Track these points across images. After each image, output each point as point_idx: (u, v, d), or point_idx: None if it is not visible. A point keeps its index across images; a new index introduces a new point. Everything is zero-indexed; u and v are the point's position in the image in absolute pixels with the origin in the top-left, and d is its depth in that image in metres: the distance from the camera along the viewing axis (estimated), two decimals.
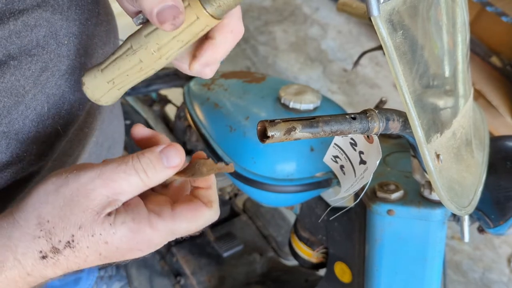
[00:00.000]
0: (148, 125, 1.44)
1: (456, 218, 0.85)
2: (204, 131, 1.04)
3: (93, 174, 0.42)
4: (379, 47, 1.09)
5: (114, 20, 0.67)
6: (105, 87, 0.46)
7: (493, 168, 0.81)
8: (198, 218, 0.45)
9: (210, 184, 0.49)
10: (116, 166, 0.42)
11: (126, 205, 0.44)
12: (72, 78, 0.55)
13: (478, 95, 2.09)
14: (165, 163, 0.44)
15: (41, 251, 0.41)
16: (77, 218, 0.41)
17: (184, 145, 1.29)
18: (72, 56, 0.54)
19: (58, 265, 0.42)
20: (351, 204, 0.62)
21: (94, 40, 0.58)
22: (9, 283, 0.41)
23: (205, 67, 0.48)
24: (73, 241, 0.41)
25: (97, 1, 0.59)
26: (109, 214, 0.42)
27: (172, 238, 0.45)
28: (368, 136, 0.53)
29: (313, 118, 0.46)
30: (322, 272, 1.13)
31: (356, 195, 0.59)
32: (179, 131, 1.32)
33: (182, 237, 0.46)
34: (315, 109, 0.98)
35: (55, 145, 0.56)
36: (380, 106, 1.04)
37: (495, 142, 0.86)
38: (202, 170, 0.47)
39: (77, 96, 0.57)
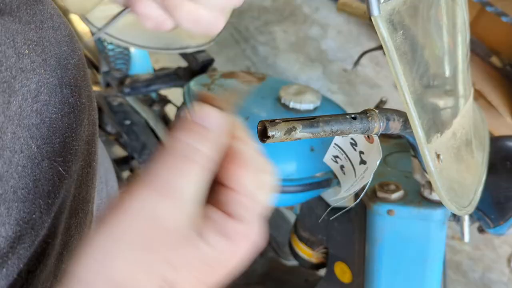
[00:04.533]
0: (148, 125, 1.44)
1: (456, 218, 0.85)
2: None
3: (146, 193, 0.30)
4: (379, 47, 1.09)
5: (70, 24, 0.48)
6: None
7: (493, 168, 0.81)
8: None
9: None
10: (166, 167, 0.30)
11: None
12: (52, 99, 0.41)
13: (478, 95, 2.09)
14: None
15: None
16: (161, 256, 0.30)
17: None
18: (40, 69, 0.40)
19: None
20: (351, 204, 0.62)
21: (63, 48, 0.43)
22: None
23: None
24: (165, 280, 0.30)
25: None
26: (199, 235, 0.31)
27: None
28: (368, 136, 0.53)
29: (313, 118, 0.46)
30: (322, 272, 1.13)
31: (356, 195, 0.59)
32: None
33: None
34: (315, 109, 0.98)
35: (60, 192, 0.41)
36: (380, 106, 1.04)
37: (495, 142, 0.86)
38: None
39: (66, 122, 0.42)
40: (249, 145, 0.34)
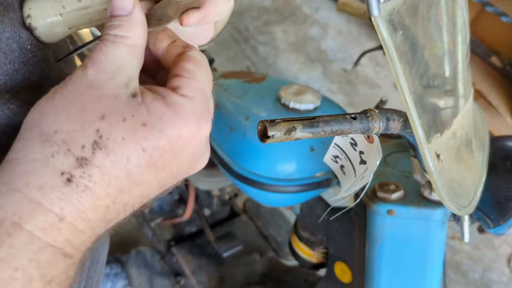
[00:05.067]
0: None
1: (456, 218, 0.85)
2: None
3: (82, 76, 0.33)
4: (379, 47, 1.09)
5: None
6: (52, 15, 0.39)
7: (493, 168, 0.81)
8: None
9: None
10: (91, 55, 0.34)
11: (144, 87, 0.34)
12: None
13: (478, 95, 2.10)
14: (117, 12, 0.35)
15: (62, 173, 0.29)
16: (94, 110, 0.31)
17: None
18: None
19: (94, 191, 0.30)
20: (351, 204, 0.62)
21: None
22: (42, 246, 0.29)
23: (202, 22, 0.40)
24: (100, 137, 0.30)
25: None
26: (133, 95, 0.32)
27: (207, 105, 0.35)
28: (368, 136, 0.53)
29: (313, 118, 0.46)
30: (322, 272, 1.13)
31: (356, 195, 0.59)
32: None
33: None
34: (315, 109, 0.98)
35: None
36: (380, 106, 1.04)
37: (495, 142, 0.86)
38: (167, 12, 0.39)
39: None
40: (194, 48, 0.38)
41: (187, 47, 0.38)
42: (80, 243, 0.31)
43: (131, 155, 0.31)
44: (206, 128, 0.34)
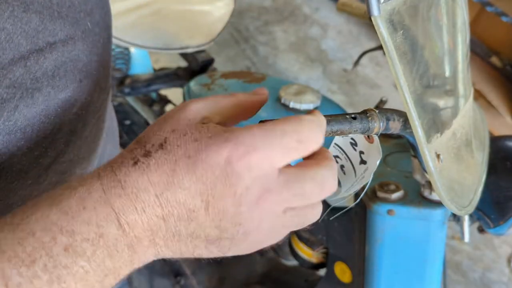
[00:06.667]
0: (148, 125, 1.44)
1: (456, 218, 0.85)
2: None
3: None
4: (379, 47, 1.09)
5: None
6: None
7: (493, 168, 0.81)
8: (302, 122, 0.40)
9: None
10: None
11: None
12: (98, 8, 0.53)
13: (478, 95, 2.10)
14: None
15: (133, 157, 0.37)
16: (171, 124, 0.39)
17: None
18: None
19: (148, 172, 0.37)
20: (351, 204, 0.62)
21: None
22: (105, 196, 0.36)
23: None
24: (165, 142, 0.38)
25: None
26: (203, 122, 0.40)
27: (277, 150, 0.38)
28: (368, 136, 0.53)
29: None
30: (322, 272, 1.13)
31: (356, 195, 0.59)
32: None
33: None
34: (315, 109, 0.98)
35: (87, 44, 0.52)
36: (380, 106, 1.04)
37: (495, 142, 0.86)
38: None
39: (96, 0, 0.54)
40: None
41: None
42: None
43: (179, 159, 0.37)
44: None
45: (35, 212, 0.35)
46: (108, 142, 0.69)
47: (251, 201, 0.37)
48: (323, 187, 0.39)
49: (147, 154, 0.37)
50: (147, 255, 0.38)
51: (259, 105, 0.46)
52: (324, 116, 0.46)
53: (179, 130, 0.38)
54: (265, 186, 0.37)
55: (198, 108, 0.41)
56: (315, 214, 0.42)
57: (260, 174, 0.37)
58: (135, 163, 0.37)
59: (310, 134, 0.39)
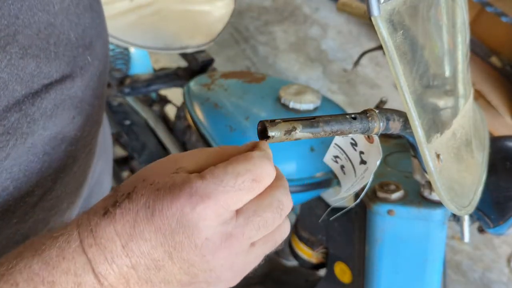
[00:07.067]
0: (148, 125, 1.44)
1: (456, 218, 0.85)
2: (204, 131, 1.04)
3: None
4: (379, 47, 1.09)
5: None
6: None
7: (493, 168, 0.81)
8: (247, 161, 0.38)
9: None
10: None
11: None
12: (89, 15, 0.53)
13: (478, 95, 2.10)
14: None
15: (105, 207, 0.38)
16: (145, 173, 0.39)
17: (184, 145, 1.29)
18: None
19: (114, 222, 0.37)
20: (351, 204, 0.62)
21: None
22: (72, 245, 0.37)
23: None
24: (133, 191, 0.38)
25: None
26: (177, 172, 0.39)
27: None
28: (368, 136, 0.53)
29: (313, 118, 0.46)
30: (322, 272, 1.13)
31: (356, 195, 0.59)
32: (179, 131, 1.32)
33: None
34: (315, 109, 0.98)
35: (86, 79, 0.53)
36: (380, 106, 1.04)
37: (495, 142, 0.86)
38: None
39: (96, 32, 0.55)
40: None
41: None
42: None
43: (140, 208, 0.37)
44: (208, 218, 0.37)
45: (19, 262, 0.36)
46: (100, 159, 0.68)
47: (214, 249, 0.37)
48: (282, 208, 0.40)
49: (115, 204, 0.37)
50: None
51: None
52: (324, 116, 0.46)
53: (149, 179, 0.38)
54: (226, 232, 0.37)
55: (177, 158, 0.40)
56: (284, 232, 0.42)
57: (218, 222, 0.36)
58: (105, 213, 0.37)
59: (263, 171, 0.38)
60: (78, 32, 0.51)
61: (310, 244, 1.08)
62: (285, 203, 0.40)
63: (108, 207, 0.37)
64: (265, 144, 0.42)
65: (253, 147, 0.43)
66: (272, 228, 0.39)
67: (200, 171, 0.38)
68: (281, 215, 0.40)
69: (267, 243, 0.41)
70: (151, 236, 0.36)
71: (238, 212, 0.38)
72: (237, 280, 0.41)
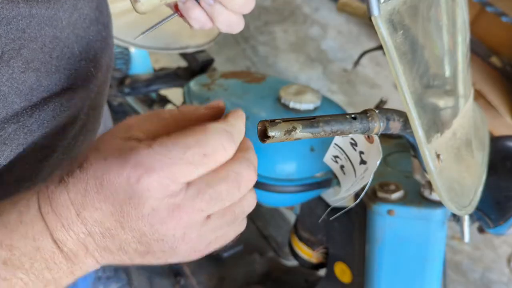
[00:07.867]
0: None
1: (456, 218, 0.85)
2: None
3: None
4: (379, 47, 1.09)
5: None
6: None
7: (493, 168, 0.81)
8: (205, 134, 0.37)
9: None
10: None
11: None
12: (95, 28, 0.53)
13: (478, 95, 2.10)
14: None
15: (60, 175, 0.38)
16: (98, 142, 0.39)
17: None
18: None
19: (67, 190, 0.37)
20: (351, 204, 0.62)
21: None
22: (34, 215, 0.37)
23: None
24: (85, 160, 0.37)
25: None
26: (129, 139, 0.39)
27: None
28: (368, 136, 0.53)
29: (314, 118, 0.46)
30: (322, 272, 1.13)
31: (356, 195, 0.59)
32: None
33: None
34: (315, 109, 0.98)
35: (90, 85, 0.53)
36: (380, 106, 1.04)
37: (495, 142, 0.86)
38: None
39: (99, 45, 0.54)
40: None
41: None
42: None
43: (90, 177, 0.37)
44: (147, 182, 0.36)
45: None
46: None
47: (162, 219, 0.36)
48: (239, 182, 0.38)
49: (69, 173, 0.37)
50: (88, 265, 0.39)
51: (210, 118, 0.43)
52: (324, 116, 0.46)
53: (100, 148, 0.38)
54: (173, 203, 0.36)
55: (130, 124, 0.39)
56: (247, 206, 0.41)
57: (164, 194, 0.36)
58: (60, 180, 0.37)
59: (217, 145, 0.37)
60: (82, 45, 0.51)
61: (310, 244, 1.08)
62: (245, 176, 0.39)
63: (63, 176, 0.38)
64: (234, 115, 0.41)
65: (217, 111, 0.43)
66: (229, 201, 0.38)
67: (153, 138, 0.38)
68: (240, 187, 0.38)
69: (224, 216, 0.39)
70: (101, 205, 0.36)
71: (190, 184, 0.37)
72: (196, 253, 0.40)
